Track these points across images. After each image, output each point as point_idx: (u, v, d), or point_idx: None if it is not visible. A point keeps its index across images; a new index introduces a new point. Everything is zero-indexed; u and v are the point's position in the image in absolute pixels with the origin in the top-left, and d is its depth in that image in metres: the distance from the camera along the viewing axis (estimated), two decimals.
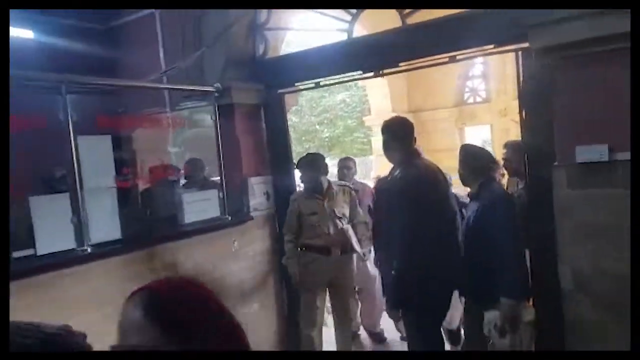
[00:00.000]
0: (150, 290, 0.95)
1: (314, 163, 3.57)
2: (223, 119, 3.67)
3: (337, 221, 3.56)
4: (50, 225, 2.67)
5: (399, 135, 2.82)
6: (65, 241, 2.72)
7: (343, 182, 3.90)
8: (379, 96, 8.94)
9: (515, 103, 3.54)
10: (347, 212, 3.63)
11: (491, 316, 2.66)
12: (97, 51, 4.17)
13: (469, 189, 2.91)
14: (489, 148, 9.50)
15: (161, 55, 4.05)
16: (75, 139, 2.73)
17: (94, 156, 2.86)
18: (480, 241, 2.65)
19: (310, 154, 3.77)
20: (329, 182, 3.66)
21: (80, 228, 2.76)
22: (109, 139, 2.95)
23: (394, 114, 8.56)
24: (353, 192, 3.77)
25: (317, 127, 14.50)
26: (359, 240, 3.68)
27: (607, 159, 2.36)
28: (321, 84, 3.77)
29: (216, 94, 3.59)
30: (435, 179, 2.79)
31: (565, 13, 2.34)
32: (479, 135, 10.25)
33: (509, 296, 2.57)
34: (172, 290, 0.98)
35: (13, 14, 3.31)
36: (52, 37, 3.96)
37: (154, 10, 4.04)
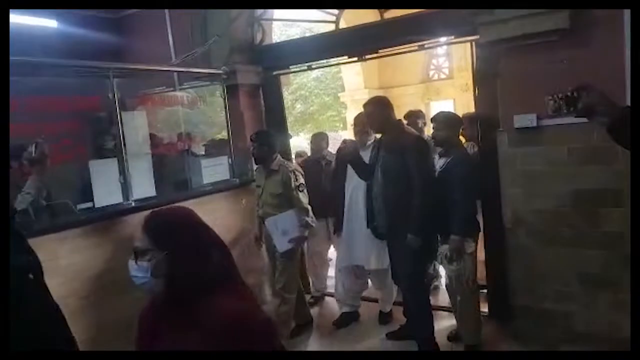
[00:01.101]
0: (154, 211, 1.22)
1: (261, 137, 3.71)
2: (230, 97, 4.33)
3: (270, 200, 3.70)
4: (104, 184, 3.32)
5: (389, 108, 3.33)
6: (115, 196, 3.38)
7: (287, 164, 3.80)
8: (352, 74, 9.64)
9: None
10: (278, 192, 3.66)
11: (443, 249, 3.28)
12: (110, 38, 4.72)
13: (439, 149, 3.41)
14: None
15: (170, 42, 4.63)
16: (120, 115, 3.36)
17: (134, 128, 3.50)
18: (443, 190, 3.17)
19: (261, 129, 4.03)
20: (278, 159, 3.73)
21: (125, 186, 3.42)
22: (144, 115, 3.59)
23: (366, 90, 9.37)
24: (293, 174, 3.67)
25: (293, 103, 15.08)
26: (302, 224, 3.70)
27: (535, 124, 3.19)
28: (313, 66, 4.46)
29: (224, 76, 4.23)
30: (426, 141, 3.50)
31: (506, 14, 3.11)
32: (442, 109, 11.10)
33: (455, 233, 3.16)
34: (169, 212, 1.23)
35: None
36: (72, 26, 4.47)
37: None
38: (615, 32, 2.89)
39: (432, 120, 3.32)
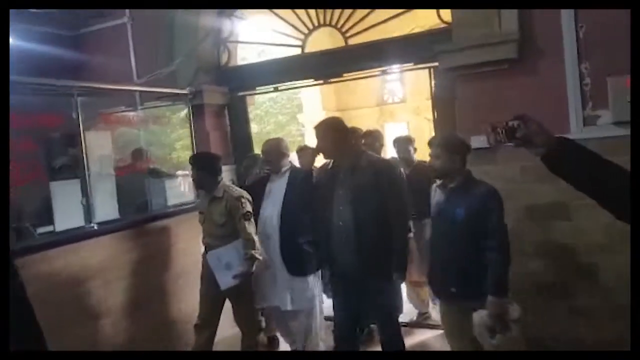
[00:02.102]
0: None
1: (200, 161, 3.41)
2: (195, 117, 4.34)
3: (213, 230, 3.35)
4: (65, 206, 3.22)
5: (346, 133, 2.97)
6: (77, 219, 3.29)
7: (233, 189, 3.39)
8: (310, 96, 9.85)
9: (428, 103, 4.56)
10: (221, 222, 3.30)
11: (478, 318, 2.44)
12: (68, 56, 4.63)
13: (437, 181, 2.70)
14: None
15: (132, 61, 4.60)
16: (83, 134, 3.31)
17: (97, 148, 3.44)
18: (469, 238, 2.45)
19: (200, 152, 3.60)
20: (222, 184, 3.40)
21: (87, 208, 3.34)
22: (108, 134, 3.54)
23: (324, 112, 9.58)
24: (239, 201, 3.28)
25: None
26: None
27: (487, 145, 3.41)
28: (279, 88, 4.57)
29: (190, 96, 4.25)
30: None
31: (463, 44, 3.36)
32: (396, 132, 11.51)
33: (497, 295, 2.39)
34: None
35: None
36: (27, 42, 4.35)
37: (125, 20, 4.59)
38: (557, 62, 3.20)
39: (430, 145, 2.65)
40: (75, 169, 3.28)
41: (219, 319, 3.43)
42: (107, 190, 3.51)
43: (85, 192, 3.32)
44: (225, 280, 3.25)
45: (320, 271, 3.31)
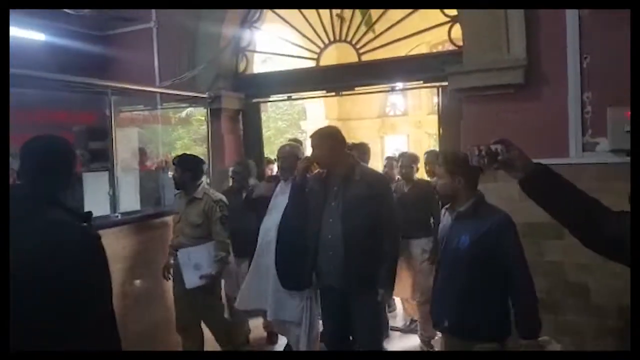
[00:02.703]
0: None
1: (185, 162, 3.48)
2: (213, 119, 4.56)
3: (188, 230, 3.43)
4: (94, 196, 3.42)
5: (343, 143, 2.93)
6: (103, 208, 3.48)
7: (212, 193, 3.53)
8: (314, 104, 10.10)
9: (429, 117, 4.82)
10: (198, 222, 3.41)
11: None
12: (96, 54, 4.84)
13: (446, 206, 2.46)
14: None
15: (156, 65, 4.81)
16: (114, 130, 3.51)
17: (126, 144, 3.65)
18: (473, 270, 2.19)
19: (185, 153, 3.70)
20: (203, 186, 3.53)
21: (113, 199, 3.54)
22: (136, 131, 3.75)
23: (327, 121, 9.82)
24: (217, 204, 3.43)
25: None
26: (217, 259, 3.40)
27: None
28: (292, 97, 4.80)
29: (209, 100, 4.47)
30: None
31: (472, 67, 3.61)
32: (396, 144, 11.81)
33: (531, 336, 2.13)
34: None
35: (28, 19, 4.14)
36: (60, 40, 4.56)
37: (151, 25, 4.80)
38: (561, 90, 3.44)
39: (427, 159, 2.55)
40: (104, 161, 3.48)
41: (199, 318, 3.50)
42: (131, 183, 3.71)
43: (112, 184, 3.53)
44: (192, 280, 3.32)
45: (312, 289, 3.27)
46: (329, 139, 2.83)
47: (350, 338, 2.95)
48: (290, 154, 3.38)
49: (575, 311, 3.49)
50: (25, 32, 4.40)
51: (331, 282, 2.81)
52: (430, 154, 4.42)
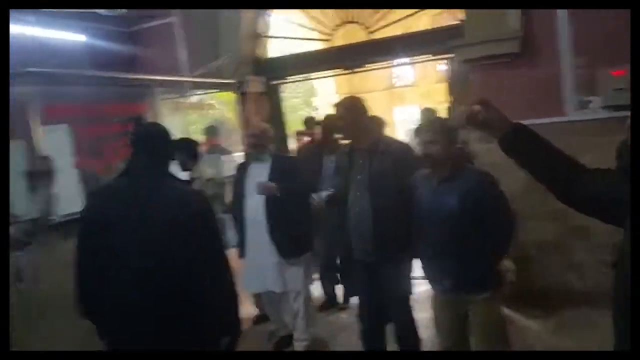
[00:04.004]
0: None
1: (180, 146, 3.51)
2: (241, 102, 5.00)
3: None
4: None
5: (367, 114, 2.83)
6: None
7: (206, 173, 3.78)
8: (325, 81, 10.43)
9: (437, 86, 5.15)
10: None
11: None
12: (126, 50, 5.28)
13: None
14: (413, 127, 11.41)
15: (181, 56, 5.22)
16: (160, 118, 3.98)
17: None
18: (465, 229, 2.27)
19: (182, 137, 3.80)
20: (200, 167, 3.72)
21: None
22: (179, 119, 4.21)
23: (337, 95, 10.18)
24: (210, 184, 3.67)
25: None
26: None
27: None
28: (309, 77, 5.21)
29: (237, 85, 4.91)
30: None
31: (474, 39, 3.98)
32: (405, 115, 12.14)
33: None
34: None
35: (68, 22, 4.61)
36: (98, 39, 5.01)
37: (174, 19, 5.21)
38: (554, 57, 3.82)
39: (418, 132, 2.42)
40: None
41: None
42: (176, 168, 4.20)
43: None
44: None
45: (310, 253, 3.43)
46: (353, 109, 2.76)
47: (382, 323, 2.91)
48: (261, 131, 3.43)
49: (579, 250, 3.92)
50: (68, 35, 4.84)
51: (360, 256, 2.78)
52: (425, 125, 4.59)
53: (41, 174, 2.48)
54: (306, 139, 5.08)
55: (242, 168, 3.46)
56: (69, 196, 3.23)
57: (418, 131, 2.40)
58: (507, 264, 2.42)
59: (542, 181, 1.36)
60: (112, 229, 1.73)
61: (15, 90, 3.11)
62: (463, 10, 4.13)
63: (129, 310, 1.71)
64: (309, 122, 5.21)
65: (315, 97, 11.28)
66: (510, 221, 2.34)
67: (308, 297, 3.53)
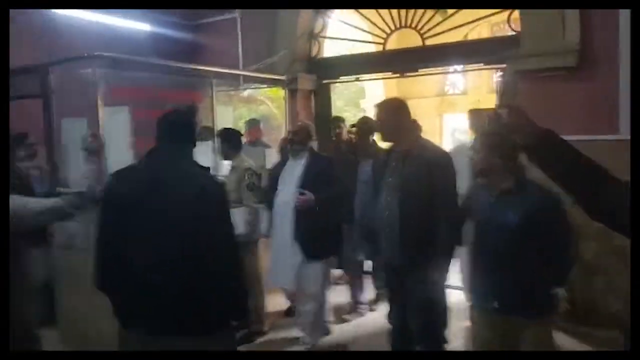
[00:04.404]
0: None
1: (223, 134, 3.81)
2: (290, 98, 5.16)
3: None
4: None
5: (407, 116, 2.77)
6: None
7: (245, 161, 3.75)
8: (374, 83, 10.45)
9: (488, 96, 5.07)
10: (232, 188, 3.58)
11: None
12: (187, 40, 5.56)
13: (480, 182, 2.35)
14: (463, 136, 11.26)
15: (240, 50, 5.45)
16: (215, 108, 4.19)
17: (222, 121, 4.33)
18: (523, 248, 2.15)
19: (225, 127, 3.98)
20: (240, 157, 3.76)
21: (215, 166, 4.24)
22: (230, 110, 4.41)
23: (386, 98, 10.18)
24: (246, 172, 3.63)
25: None
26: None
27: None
28: (360, 79, 5.29)
29: (287, 82, 5.06)
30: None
31: (528, 52, 3.95)
32: (454, 123, 11.95)
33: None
34: None
35: (134, 12, 4.91)
36: (161, 29, 5.31)
37: (235, 14, 5.44)
38: (611, 71, 3.73)
39: (476, 144, 2.28)
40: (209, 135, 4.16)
41: None
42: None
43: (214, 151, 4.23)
44: None
45: (330, 257, 3.47)
46: (393, 110, 2.73)
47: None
48: (302, 128, 3.48)
49: (619, 270, 3.81)
50: (133, 23, 5.16)
51: (390, 260, 2.77)
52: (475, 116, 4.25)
53: (90, 150, 2.58)
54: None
55: (281, 162, 3.56)
56: None
57: (476, 143, 2.27)
58: (560, 290, 2.22)
59: (571, 192, 1.28)
60: (128, 209, 1.78)
61: (82, 72, 3.42)
62: (519, 19, 4.11)
63: (142, 288, 1.77)
64: (335, 121, 5.13)
65: (364, 99, 11.31)
66: (573, 248, 2.20)
67: (321, 302, 3.48)
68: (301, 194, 3.23)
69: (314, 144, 3.60)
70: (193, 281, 1.75)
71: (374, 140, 4.03)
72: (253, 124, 5.01)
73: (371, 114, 9.98)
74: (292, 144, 3.46)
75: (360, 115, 11.18)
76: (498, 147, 2.14)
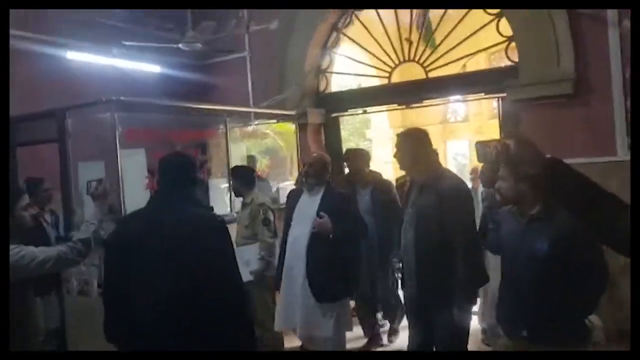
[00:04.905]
0: None
1: (236, 172, 3.95)
2: (300, 132, 5.39)
3: (241, 231, 3.72)
4: (216, 198, 4.31)
5: (428, 147, 2.77)
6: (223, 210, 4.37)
7: (260, 198, 3.81)
8: (379, 114, 10.73)
9: (489, 123, 5.28)
10: (246, 224, 3.69)
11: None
12: (198, 81, 5.84)
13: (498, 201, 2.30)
14: (464, 161, 11.40)
15: (249, 88, 5.72)
16: (228, 144, 4.41)
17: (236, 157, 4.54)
18: (553, 277, 2.10)
19: (237, 165, 4.14)
20: (253, 192, 3.81)
21: (230, 201, 4.41)
22: (243, 146, 4.63)
23: (391, 129, 10.44)
24: (261, 208, 3.66)
25: None
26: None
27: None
28: (367, 111, 5.54)
29: (297, 116, 5.31)
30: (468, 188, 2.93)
31: (527, 81, 4.18)
32: (457, 149, 12.19)
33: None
34: None
35: (143, 55, 5.13)
36: (171, 70, 5.60)
37: (245, 54, 5.73)
38: (606, 98, 3.95)
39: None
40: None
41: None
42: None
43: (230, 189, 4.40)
44: (244, 274, 3.29)
45: (349, 299, 3.35)
46: (412, 140, 2.72)
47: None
48: (318, 160, 3.37)
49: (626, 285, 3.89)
50: (144, 65, 5.45)
51: (409, 292, 2.76)
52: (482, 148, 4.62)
53: (95, 196, 2.57)
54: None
55: (294, 196, 3.39)
56: None
57: (503, 172, 2.16)
58: (594, 319, 2.15)
59: (580, 219, 1.29)
60: (132, 254, 1.82)
61: (99, 116, 3.58)
62: (516, 50, 4.35)
63: (151, 334, 1.78)
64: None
65: (369, 129, 11.58)
66: (603, 274, 2.13)
67: (339, 346, 3.30)
68: (320, 216, 3.10)
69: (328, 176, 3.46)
70: (201, 321, 1.78)
71: (370, 170, 4.19)
72: (251, 161, 5.10)
73: (377, 143, 10.16)
74: (307, 177, 3.31)
75: (367, 143, 11.47)
76: (525, 173, 2.04)
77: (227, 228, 1.96)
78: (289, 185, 5.10)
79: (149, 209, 1.97)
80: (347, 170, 4.48)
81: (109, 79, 4.96)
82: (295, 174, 5.13)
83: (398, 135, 2.84)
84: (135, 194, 3.51)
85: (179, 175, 1.96)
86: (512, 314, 2.24)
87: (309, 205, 3.19)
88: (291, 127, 5.42)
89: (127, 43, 4.85)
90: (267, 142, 6.00)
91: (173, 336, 1.76)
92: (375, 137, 11.09)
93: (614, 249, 1.26)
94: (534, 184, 2.07)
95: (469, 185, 3.62)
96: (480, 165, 3.98)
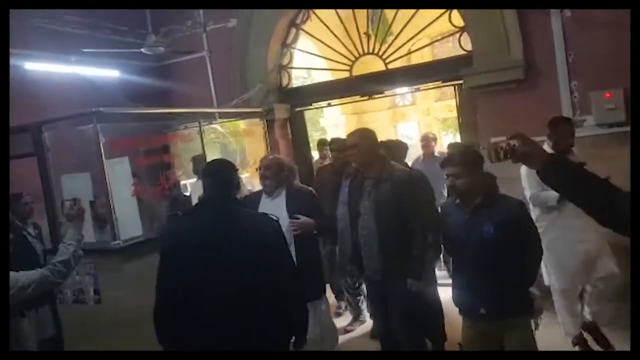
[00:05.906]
0: None
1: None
2: (268, 128, 5.49)
3: None
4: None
5: (376, 144, 3.16)
6: None
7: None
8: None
9: (436, 105, 5.61)
10: None
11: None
12: (158, 84, 5.77)
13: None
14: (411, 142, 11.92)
15: (212, 87, 5.73)
16: (203, 146, 4.45)
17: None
18: (501, 256, 2.37)
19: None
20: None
21: None
22: (219, 146, 4.69)
23: (343, 116, 10.70)
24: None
25: None
26: None
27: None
28: (331, 104, 5.72)
29: (264, 113, 5.40)
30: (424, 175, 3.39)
31: (481, 69, 4.51)
32: (407, 131, 12.67)
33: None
34: None
35: (102, 60, 5.03)
36: (130, 75, 5.50)
37: (204, 54, 5.72)
38: (553, 81, 4.36)
39: (445, 164, 2.53)
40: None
41: None
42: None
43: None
44: None
45: (324, 296, 3.35)
46: (365, 140, 3.06)
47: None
48: (274, 163, 3.25)
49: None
50: (102, 71, 5.33)
51: (371, 276, 3.09)
52: (451, 146, 4.95)
53: (70, 217, 2.54)
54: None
55: (252, 201, 3.19)
56: (130, 222, 3.62)
57: (444, 164, 2.53)
58: (535, 290, 2.49)
59: (583, 208, 1.43)
60: (188, 258, 1.94)
61: (78, 128, 3.54)
62: (470, 40, 4.68)
63: (205, 333, 1.92)
64: (319, 145, 5.64)
65: (322, 117, 11.77)
66: (539, 248, 2.49)
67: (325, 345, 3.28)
68: (295, 218, 3.09)
69: (293, 176, 3.48)
70: (260, 312, 1.95)
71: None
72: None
73: (330, 131, 10.29)
74: (265, 180, 3.19)
75: (320, 132, 11.65)
76: (465, 169, 2.42)
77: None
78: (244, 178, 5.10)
79: (204, 213, 2.07)
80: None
81: (69, 86, 4.83)
82: (248, 168, 5.21)
83: (350, 136, 3.19)
84: (124, 201, 3.52)
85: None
86: (468, 295, 2.50)
87: (272, 209, 2.88)
88: (238, 123, 5.45)
89: (85, 50, 4.73)
90: (218, 141, 6.02)
91: (234, 325, 1.92)
92: (327, 125, 11.32)
93: (616, 230, 1.41)
94: (484, 177, 2.48)
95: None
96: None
